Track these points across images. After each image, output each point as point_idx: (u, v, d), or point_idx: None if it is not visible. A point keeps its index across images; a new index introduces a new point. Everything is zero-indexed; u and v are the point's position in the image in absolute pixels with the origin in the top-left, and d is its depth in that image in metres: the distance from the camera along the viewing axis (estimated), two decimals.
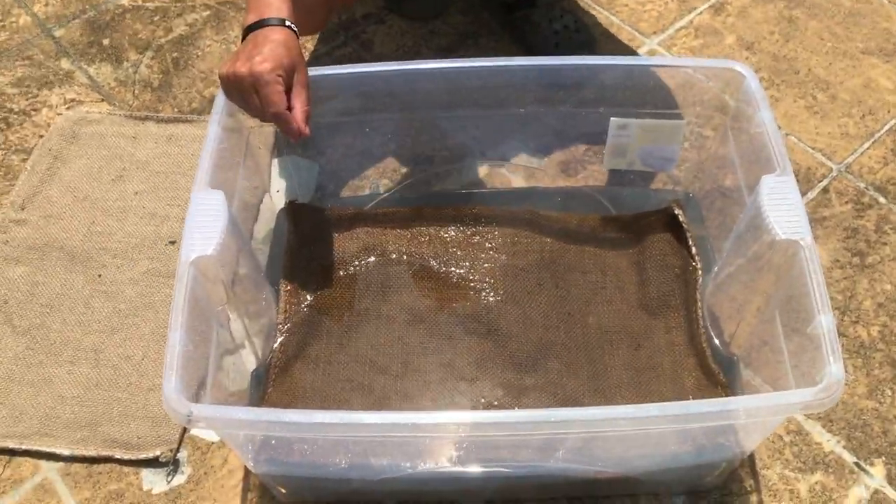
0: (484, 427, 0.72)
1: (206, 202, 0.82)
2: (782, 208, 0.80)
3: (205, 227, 0.80)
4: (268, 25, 0.87)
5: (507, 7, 1.34)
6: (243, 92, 0.85)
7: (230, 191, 0.90)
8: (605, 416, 0.70)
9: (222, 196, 0.83)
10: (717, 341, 0.99)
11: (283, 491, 0.93)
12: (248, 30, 0.88)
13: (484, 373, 0.96)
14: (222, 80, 0.87)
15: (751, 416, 0.71)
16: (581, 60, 1.03)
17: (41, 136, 1.28)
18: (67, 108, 1.32)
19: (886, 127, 1.28)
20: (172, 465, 0.99)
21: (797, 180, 1.20)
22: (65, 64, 1.39)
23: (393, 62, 1.05)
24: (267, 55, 0.84)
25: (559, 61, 1.03)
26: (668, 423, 0.70)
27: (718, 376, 0.95)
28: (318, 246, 1.05)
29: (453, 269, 1.04)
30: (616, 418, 0.69)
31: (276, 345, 0.97)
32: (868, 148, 1.26)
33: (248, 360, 0.96)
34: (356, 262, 1.05)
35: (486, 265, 1.05)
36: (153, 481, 0.98)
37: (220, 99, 0.91)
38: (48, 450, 0.99)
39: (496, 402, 0.95)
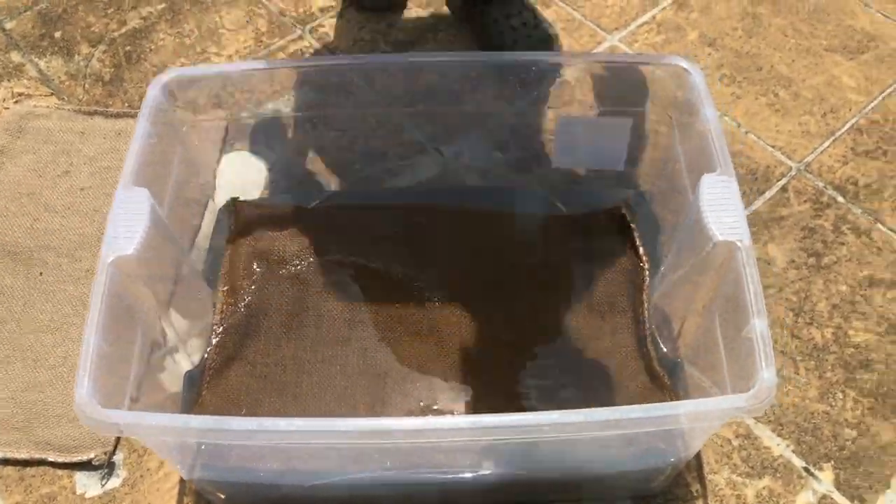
0: (410, 434, 0.70)
1: (129, 200, 0.79)
2: (721, 209, 0.78)
3: (126, 226, 0.78)
4: None
5: (466, 1, 1.32)
6: None
7: (160, 189, 0.87)
8: (532, 423, 0.68)
9: (146, 194, 0.80)
10: (663, 342, 0.97)
11: (222, 496, 0.91)
12: None
13: (425, 374, 0.94)
14: None
15: (681, 423, 0.69)
16: (534, 56, 1.01)
17: None
18: (15, 102, 1.29)
19: (847, 125, 1.26)
20: (107, 468, 0.96)
21: (756, 179, 1.20)
22: (15, 57, 1.36)
23: (347, 56, 1.03)
24: None
25: (513, 57, 1.02)
26: (596, 430, 0.68)
27: (663, 379, 0.93)
28: (259, 244, 1.03)
29: (398, 268, 1.02)
30: (541, 424, 0.67)
31: (211, 346, 0.95)
32: (828, 146, 1.24)
33: (182, 363, 0.93)
34: (297, 262, 1.02)
35: (432, 265, 1.02)
36: (87, 484, 0.96)
37: (151, 95, 0.89)
38: None
39: (436, 406, 0.93)
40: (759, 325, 0.71)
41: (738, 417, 0.74)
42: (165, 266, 0.84)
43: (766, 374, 0.69)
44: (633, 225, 1.03)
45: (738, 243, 0.76)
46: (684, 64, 0.91)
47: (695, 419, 0.70)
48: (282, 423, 0.67)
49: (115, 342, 0.74)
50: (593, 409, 0.67)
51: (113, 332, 0.74)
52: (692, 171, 0.92)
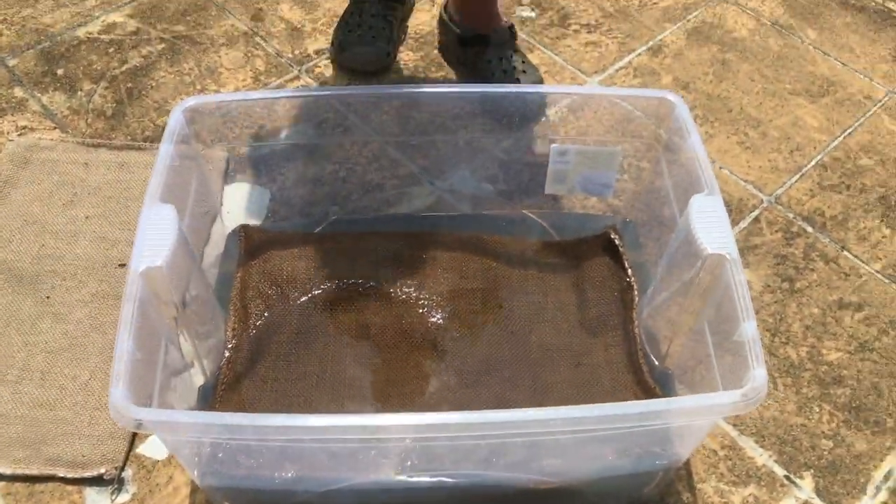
0: (424, 429, 0.74)
1: (157, 215, 0.84)
2: (709, 225, 0.85)
3: (155, 239, 0.82)
4: None
5: (461, 41, 1.39)
6: None
7: (181, 210, 0.91)
8: (540, 418, 0.73)
9: (173, 210, 0.85)
10: (654, 357, 1.03)
11: None
12: None
13: (428, 387, 0.98)
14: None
15: (679, 418, 0.74)
16: (524, 90, 1.08)
17: None
18: (19, 135, 1.33)
19: (813, 162, 1.35)
20: (117, 483, 0.98)
21: (730, 211, 1.28)
22: (18, 92, 1.40)
23: (344, 87, 1.08)
24: None
25: (504, 89, 1.09)
26: (599, 424, 0.73)
27: (655, 391, 0.98)
28: (268, 266, 1.07)
29: (401, 289, 1.07)
30: (549, 419, 0.72)
31: (223, 362, 0.98)
32: (796, 181, 1.32)
33: (196, 378, 0.97)
34: (305, 283, 1.07)
35: (432, 285, 1.08)
36: (96, 500, 0.97)
37: (175, 119, 0.94)
38: None
39: None
40: (749, 329, 0.77)
41: (732, 413, 0.79)
42: (185, 281, 0.88)
43: (758, 373, 0.75)
44: (621, 248, 1.09)
45: (728, 255, 0.83)
46: (671, 97, 0.98)
47: (692, 414, 0.75)
48: (311, 420, 0.71)
49: (143, 349, 0.78)
50: (594, 406, 0.72)
51: (141, 340, 0.78)
52: (678, 195, 0.99)
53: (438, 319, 1.04)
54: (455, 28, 1.39)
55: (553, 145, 1.06)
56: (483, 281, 1.08)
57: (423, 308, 1.05)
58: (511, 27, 1.39)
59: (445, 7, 1.42)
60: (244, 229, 1.10)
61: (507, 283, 1.08)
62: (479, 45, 1.37)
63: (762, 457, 1.03)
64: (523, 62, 1.37)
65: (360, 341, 1.02)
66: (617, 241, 1.10)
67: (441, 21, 1.43)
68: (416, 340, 1.02)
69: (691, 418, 0.78)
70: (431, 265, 1.10)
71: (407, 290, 1.07)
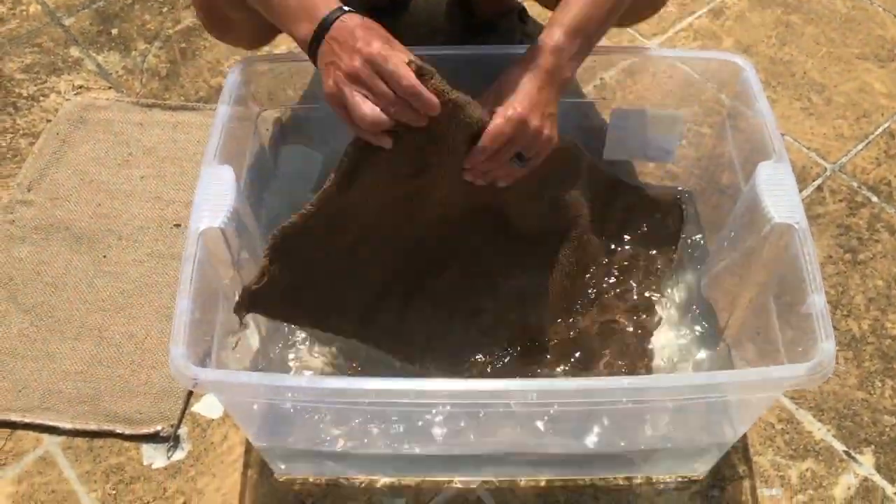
0: (476, 394, 0.74)
1: (216, 176, 0.83)
2: (778, 193, 0.82)
3: (214, 199, 0.82)
4: (335, 20, 0.79)
5: (469, 27, 1.34)
6: (364, 83, 0.76)
7: (238, 170, 0.91)
8: (601, 387, 0.72)
9: (231, 171, 0.84)
10: (712, 329, 1.00)
11: (283, 466, 0.94)
12: (317, 37, 0.79)
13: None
14: (331, 91, 0.78)
15: (744, 391, 0.73)
16: None
17: (49, 121, 1.30)
18: (76, 94, 1.34)
19: (880, 129, 1.30)
20: (173, 440, 1.00)
21: None
22: (74, 52, 1.41)
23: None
24: (367, 37, 0.77)
25: None
26: (662, 395, 0.72)
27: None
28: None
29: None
30: (611, 388, 0.71)
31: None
32: (862, 149, 1.28)
33: (252, 339, 0.97)
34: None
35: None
36: (153, 456, 0.99)
37: (231, 81, 0.93)
38: (50, 423, 1.00)
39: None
40: (818, 301, 0.75)
41: (798, 387, 0.77)
42: (242, 242, 0.87)
43: (827, 346, 0.72)
44: (681, 222, 1.07)
45: (796, 225, 0.80)
46: (738, 60, 0.95)
47: (757, 388, 0.73)
48: (366, 383, 0.71)
49: (200, 309, 0.78)
50: (663, 376, 0.71)
51: (199, 300, 0.78)
52: (742, 162, 0.96)
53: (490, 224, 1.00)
54: (462, 14, 1.34)
55: (614, 108, 1.03)
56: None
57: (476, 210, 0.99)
58: (521, 10, 1.34)
59: None
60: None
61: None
62: (486, 32, 1.32)
63: (820, 431, 1.01)
64: None
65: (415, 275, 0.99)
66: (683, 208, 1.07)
67: (448, 7, 1.39)
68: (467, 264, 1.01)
69: (756, 391, 0.76)
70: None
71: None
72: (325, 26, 0.79)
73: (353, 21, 0.78)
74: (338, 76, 0.77)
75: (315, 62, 0.81)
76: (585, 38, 0.87)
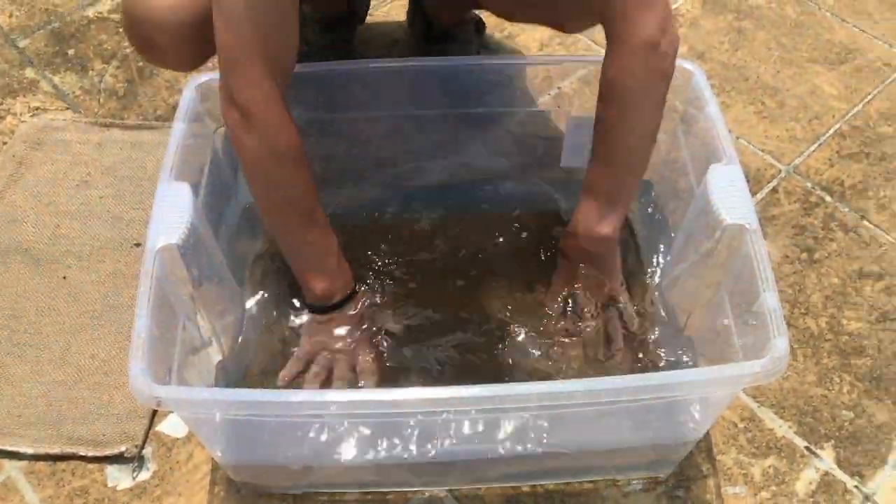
0: (440, 402, 0.74)
1: (172, 193, 0.83)
2: (729, 194, 0.84)
3: (171, 217, 0.82)
4: (346, 304, 0.96)
5: (427, 37, 1.37)
6: (339, 363, 0.94)
7: (195, 186, 0.91)
8: (558, 390, 0.73)
9: (188, 187, 0.84)
10: (673, 332, 1.02)
11: (249, 482, 0.94)
12: (322, 309, 0.95)
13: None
14: (313, 354, 0.95)
15: (700, 389, 0.74)
16: (539, 59, 1.06)
17: (4, 143, 1.29)
18: (32, 116, 1.33)
19: (831, 130, 1.33)
20: (137, 461, 0.99)
21: (748, 181, 1.25)
22: (29, 73, 1.40)
23: (357, 61, 1.07)
24: (360, 338, 0.96)
25: (519, 61, 1.07)
26: (618, 396, 0.73)
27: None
28: None
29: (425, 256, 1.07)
30: (567, 392, 0.72)
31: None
32: (814, 150, 1.31)
33: (214, 356, 0.97)
34: None
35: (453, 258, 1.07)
36: (118, 478, 0.98)
37: (187, 98, 0.93)
38: (11, 448, 0.99)
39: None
40: (770, 299, 0.77)
41: (754, 383, 0.78)
42: (201, 259, 0.87)
43: (779, 342, 0.74)
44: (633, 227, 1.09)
45: (747, 225, 0.82)
46: (688, 66, 0.97)
47: (713, 385, 0.75)
48: (329, 395, 0.71)
49: (160, 326, 0.78)
50: (614, 378, 0.72)
51: (159, 317, 0.78)
52: (696, 166, 0.97)
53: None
54: (421, 22, 1.36)
55: (571, 116, 1.04)
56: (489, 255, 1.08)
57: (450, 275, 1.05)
58: (478, 21, 1.36)
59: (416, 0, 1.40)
60: None
61: (515, 252, 1.09)
62: (442, 43, 1.34)
63: (782, 428, 1.02)
64: None
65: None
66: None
67: (409, 12, 1.41)
68: (446, 305, 1.03)
69: (713, 389, 0.78)
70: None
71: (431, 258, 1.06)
72: (337, 306, 0.95)
73: (351, 312, 0.97)
74: (322, 353, 0.94)
75: (310, 309, 0.97)
76: (623, 203, 0.96)
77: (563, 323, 0.99)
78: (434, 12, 1.35)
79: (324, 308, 0.95)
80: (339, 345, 0.95)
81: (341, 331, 0.95)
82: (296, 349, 0.96)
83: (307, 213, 0.91)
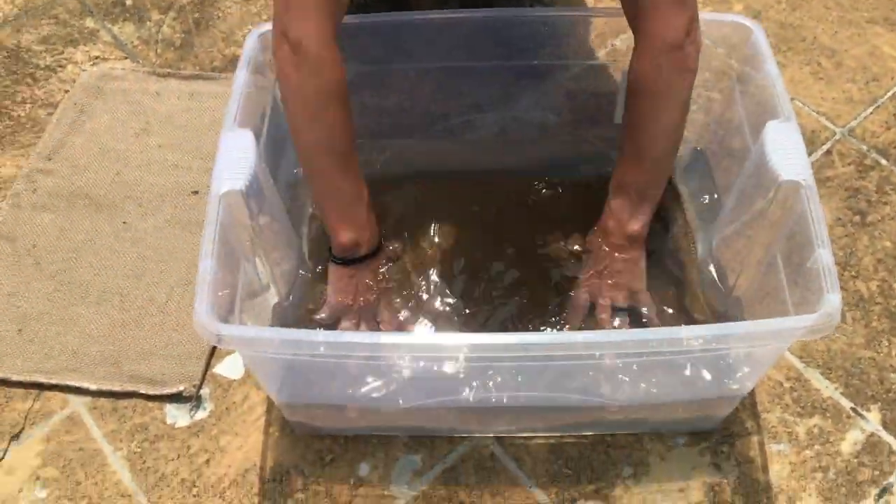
0: (492, 348, 0.76)
1: (236, 139, 0.85)
2: (785, 152, 0.84)
3: (235, 162, 0.84)
4: (371, 259, 0.97)
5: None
6: (363, 320, 0.96)
7: (257, 134, 0.93)
8: (604, 340, 0.74)
9: (251, 135, 0.86)
10: (724, 288, 1.02)
11: (303, 422, 0.97)
12: (346, 261, 0.96)
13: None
14: (338, 309, 0.96)
15: (752, 342, 0.75)
16: (592, 13, 1.04)
17: (66, 91, 1.32)
18: (92, 65, 1.36)
19: (889, 93, 1.31)
20: (195, 400, 1.03)
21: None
22: (89, 23, 1.42)
23: (407, 13, 1.07)
24: (382, 292, 0.98)
25: (572, 12, 1.05)
26: (666, 347, 0.73)
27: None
28: None
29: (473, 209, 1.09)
30: (613, 341, 0.73)
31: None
32: (871, 113, 1.29)
33: (271, 300, 0.99)
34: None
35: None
36: (176, 416, 1.02)
37: (248, 49, 0.95)
38: (76, 384, 1.03)
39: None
40: (824, 255, 0.77)
41: (806, 338, 0.79)
42: (262, 205, 0.90)
43: (832, 297, 0.74)
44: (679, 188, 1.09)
45: (803, 182, 0.82)
46: (747, 22, 0.96)
47: (766, 338, 0.75)
48: (383, 337, 0.73)
49: (223, 269, 0.80)
50: (673, 328, 0.73)
51: (222, 260, 0.80)
52: (752, 125, 0.97)
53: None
54: None
55: (626, 71, 1.04)
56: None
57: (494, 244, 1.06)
58: None
59: None
60: None
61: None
62: None
63: (828, 389, 1.03)
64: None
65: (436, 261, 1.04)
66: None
67: None
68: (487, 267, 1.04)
69: (763, 342, 0.78)
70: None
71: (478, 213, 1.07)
72: (359, 259, 0.96)
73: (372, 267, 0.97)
74: (347, 310, 0.96)
75: (334, 261, 0.96)
76: (652, 200, 0.97)
77: (581, 322, 0.99)
78: None
79: (348, 260, 0.95)
80: (361, 300, 0.96)
81: (364, 285, 0.96)
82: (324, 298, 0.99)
83: (343, 158, 0.91)
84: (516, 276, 1.04)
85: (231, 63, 1.34)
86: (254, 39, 0.95)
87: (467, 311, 1.01)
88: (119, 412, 1.02)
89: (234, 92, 0.89)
